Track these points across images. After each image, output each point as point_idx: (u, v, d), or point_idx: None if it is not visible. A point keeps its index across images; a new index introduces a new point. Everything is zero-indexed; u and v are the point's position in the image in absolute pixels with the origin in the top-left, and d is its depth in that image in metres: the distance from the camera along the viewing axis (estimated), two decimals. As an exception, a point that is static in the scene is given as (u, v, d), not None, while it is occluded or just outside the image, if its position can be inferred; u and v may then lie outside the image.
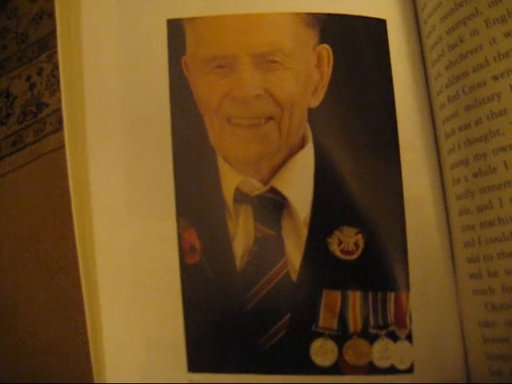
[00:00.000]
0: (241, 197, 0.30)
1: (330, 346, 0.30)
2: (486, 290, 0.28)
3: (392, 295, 0.30)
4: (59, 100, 0.57)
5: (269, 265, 0.30)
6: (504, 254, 0.27)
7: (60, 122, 0.56)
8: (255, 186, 0.31)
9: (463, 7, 0.28)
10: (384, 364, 0.29)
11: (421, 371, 0.29)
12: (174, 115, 0.31)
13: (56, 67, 0.59)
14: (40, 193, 0.52)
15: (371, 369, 0.29)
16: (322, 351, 0.30)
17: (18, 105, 0.60)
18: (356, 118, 0.31)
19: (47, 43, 0.61)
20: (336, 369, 0.30)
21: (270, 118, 0.30)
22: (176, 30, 0.31)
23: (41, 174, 0.53)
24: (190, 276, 0.30)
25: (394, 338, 0.30)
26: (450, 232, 0.31)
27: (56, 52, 0.61)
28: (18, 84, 0.61)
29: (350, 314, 0.30)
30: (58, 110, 0.57)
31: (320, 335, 0.30)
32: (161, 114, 0.31)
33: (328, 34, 0.31)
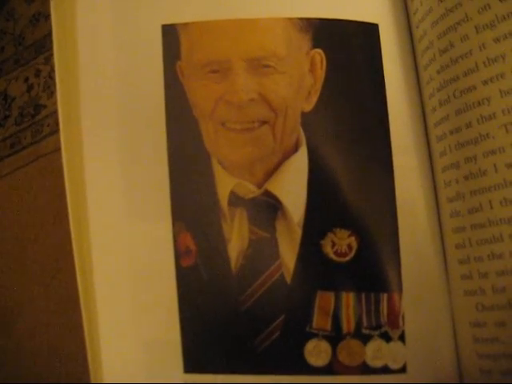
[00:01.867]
0: (235, 200, 0.31)
1: (324, 346, 0.30)
2: (476, 291, 0.28)
3: (385, 296, 0.30)
4: (57, 102, 0.58)
5: (263, 267, 0.30)
6: (494, 255, 0.27)
7: (58, 123, 0.56)
8: (250, 190, 0.31)
9: (453, 13, 0.28)
10: (377, 364, 0.30)
11: (413, 371, 0.30)
12: (169, 119, 0.31)
13: (53, 69, 0.59)
14: (39, 195, 0.52)
15: (364, 369, 0.30)
16: (316, 352, 0.30)
17: (15, 106, 0.60)
18: (349, 121, 0.31)
19: (44, 45, 0.61)
20: (330, 369, 0.30)
21: (264, 122, 0.31)
22: (171, 35, 0.31)
23: (39, 175, 0.54)
24: (185, 278, 0.31)
25: (386, 338, 0.30)
26: (441, 234, 0.31)
27: (53, 54, 0.61)
28: (15, 86, 0.61)
29: (343, 315, 0.30)
30: (56, 111, 0.56)
31: (314, 336, 0.30)
32: (156, 118, 0.31)
33: (321, 39, 0.31)
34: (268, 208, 0.31)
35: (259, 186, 0.31)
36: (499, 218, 0.27)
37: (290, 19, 0.31)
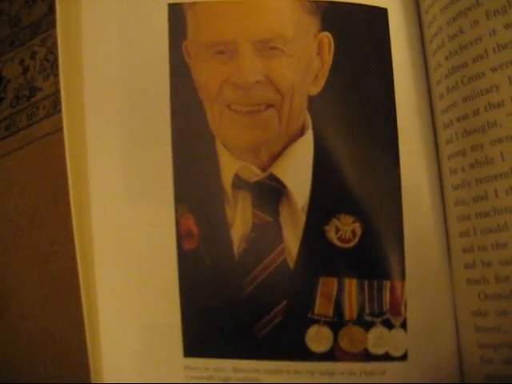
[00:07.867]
0: (239, 183, 0.30)
1: (326, 332, 0.30)
2: (479, 280, 0.28)
3: (388, 283, 0.30)
4: (53, 84, 0.57)
5: (266, 251, 0.30)
6: (498, 244, 0.27)
7: (54, 106, 0.55)
8: (254, 173, 0.31)
9: (464, -2, 0.28)
10: (378, 351, 0.30)
11: (414, 358, 0.30)
12: (173, 100, 0.30)
13: (50, 51, 0.58)
14: (33, 178, 0.52)
15: (366, 356, 0.30)
16: (318, 338, 0.30)
17: (11, 89, 0.60)
18: (356, 106, 0.31)
19: (40, 26, 0.60)
20: (331, 355, 0.30)
21: (270, 105, 0.30)
22: (177, 14, 0.31)
23: (34, 158, 0.53)
24: (187, 262, 0.30)
25: (388, 325, 0.30)
26: (445, 222, 0.31)
27: (50, 36, 0.60)
28: (10, 68, 0.61)
29: (345, 302, 0.30)
30: (52, 94, 0.56)
31: (315, 322, 0.30)
32: (160, 99, 0.30)
33: (329, 22, 0.31)
34: (272, 192, 0.30)
35: (264, 169, 0.31)
36: (504, 207, 0.27)
37: (299, 1, 0.30)
